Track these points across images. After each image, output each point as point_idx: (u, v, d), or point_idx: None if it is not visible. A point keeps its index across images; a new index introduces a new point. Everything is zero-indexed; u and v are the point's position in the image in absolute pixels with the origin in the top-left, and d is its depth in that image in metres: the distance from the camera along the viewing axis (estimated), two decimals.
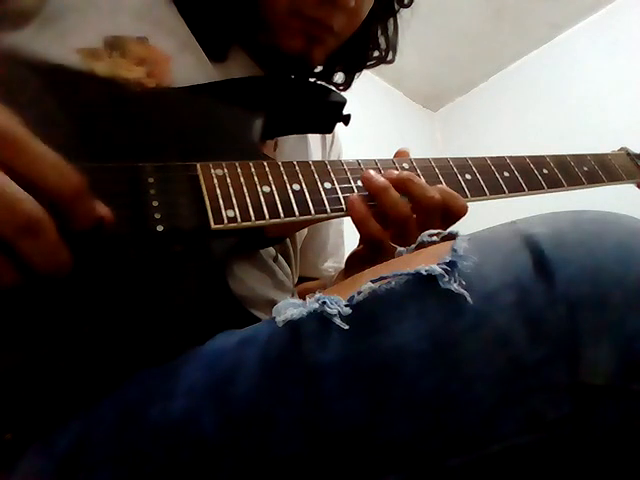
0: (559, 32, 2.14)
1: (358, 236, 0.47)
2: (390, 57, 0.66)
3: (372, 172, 0.45)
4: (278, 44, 0.52)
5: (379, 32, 0.64)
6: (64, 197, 0.29)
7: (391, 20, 0.64)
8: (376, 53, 0.65)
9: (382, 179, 0.44)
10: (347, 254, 0.75)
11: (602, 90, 1.93)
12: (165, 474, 0.27)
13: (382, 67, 0.68)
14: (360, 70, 0.66)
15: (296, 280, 0.62)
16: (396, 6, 0.64)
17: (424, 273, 0.26)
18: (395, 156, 0.50)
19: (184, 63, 0.48)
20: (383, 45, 0.65)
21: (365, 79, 0.70)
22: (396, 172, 0.45)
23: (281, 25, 0.51)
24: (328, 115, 0.54)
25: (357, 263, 0.50)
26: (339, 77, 0.65)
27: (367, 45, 0.63)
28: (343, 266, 0.72)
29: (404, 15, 0.67)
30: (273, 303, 0.29)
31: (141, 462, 0.27)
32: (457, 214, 0.45)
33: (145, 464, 0.27)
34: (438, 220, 0.44)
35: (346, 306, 0.26)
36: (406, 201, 0.44)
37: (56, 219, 0.28)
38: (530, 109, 2.16)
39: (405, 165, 0.49)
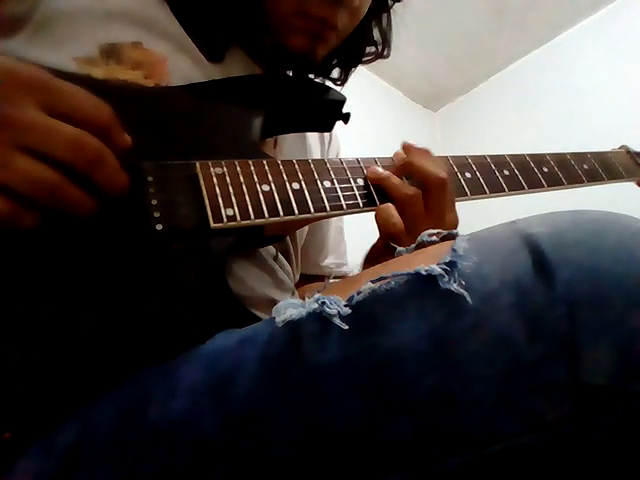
0: (559, 32, 2.14)
1: (358, 234, 0.47)
2: (385, 52, 0.66)
3: (375, 167, 0.48)
4: (283, 43, 0.53)
5: (374, 28, 0.64)
6: (104, 126, 0.33)
7: (385, 15, 0.65)
8: (371, 49, 0.66)
9: (382, 170, 0.47)
10: (347, 251, 0.76)
11: (602, 90, 1.93)
12: (165, 474, 0.27)
13: (382, 67, 0.69)
14: (356, 65, 0.66)
15: (297, 279, 0.62)
16: (389, 1, 0.64)
17: (424, 273, 0.26)
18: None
19: (181, 64, 0.48)
20: (378, 40, 0.65)
21: (365, 79, 0.70)
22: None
23: (286, 25, 0.51)
24: (328, 113, 0.54)
25: (376, 257, 0.50)
26: (335, 72, 0.66)
27: (362, 41, 0.64)
28: (345, 262, 0.73)
29: (404, 15, 0.67)
30: (273, 302, 0.30)
31: (141, 462, 0.27)
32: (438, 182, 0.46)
33: (145, 464, 0.27)
34: (446, 196, 0.46)
35: (346, 306, 0.26)
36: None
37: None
38: (530, 109, 2.16)
39: None
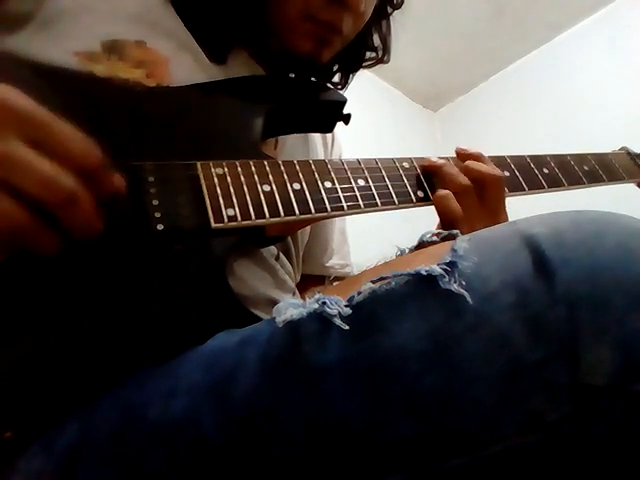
0: (559, 32, 2.14)
1: (360, 235, 0.47)
2: (385, 58, 0.68)
3: (429, 158, 0.50)
4: (288, 46, 0.53)
5: (374, 33, 0.65)
6: (89, 168, 0.31)
7: (384, 22, 0.66)
8: (372, 54, 0.66)
9: (436, 159, 0.50)
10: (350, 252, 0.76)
11: (602, 90, 1.93)
12: (165, 474, 0.27)
13: (382, 67, 0.69)
14: (356, 70, 0.67)
15: (298, 279, 0.62)
16: (389, 9, 0.65)
17: (424, 273, 0.26)
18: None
19: (183, 64, 0.48)
20: (378, 46, 0.66)
21: (365, 79, 0.70)
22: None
23: (292, 28, 0.51)
24: (328, 114, 0.54)
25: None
26: (336, 76, 0.66)
27: (363, 46, 0.65)
28: (348, 263, 0.73)
29: (404, 16, 0.67)
30: (274, 302, 0.30)
31: (141, 461, 0.27)
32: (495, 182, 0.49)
33: (145, 463, 0.27)
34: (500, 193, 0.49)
35: (346, 306, 0.26)
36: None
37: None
38: (530, 109, 2.16)
39: (405, 164, 0.49)
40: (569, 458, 0.23)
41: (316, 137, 0.68)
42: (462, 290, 0.25)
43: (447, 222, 0.46)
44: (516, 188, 0.52)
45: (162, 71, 0.46)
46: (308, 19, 0.51)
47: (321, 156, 0.68)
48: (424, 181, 0.49)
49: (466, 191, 0.47)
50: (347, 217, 0.46)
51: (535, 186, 0.53)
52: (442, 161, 0.49)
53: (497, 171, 0.48)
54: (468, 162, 0.49)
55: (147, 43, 0.46)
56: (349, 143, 0.85)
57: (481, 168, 0.48)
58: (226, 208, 0.38)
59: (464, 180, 0.47)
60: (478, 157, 0.50)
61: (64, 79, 0.41)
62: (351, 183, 0.45)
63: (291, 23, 0.51)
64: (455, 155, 0.52)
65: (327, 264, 0.70)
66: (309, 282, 0.66)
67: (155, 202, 0.36)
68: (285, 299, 0.28)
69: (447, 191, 0.47)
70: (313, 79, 0.62)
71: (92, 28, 0.45)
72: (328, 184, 0.44)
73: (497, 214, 0.48)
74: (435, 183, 0.49)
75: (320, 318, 0.27)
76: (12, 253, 0.30)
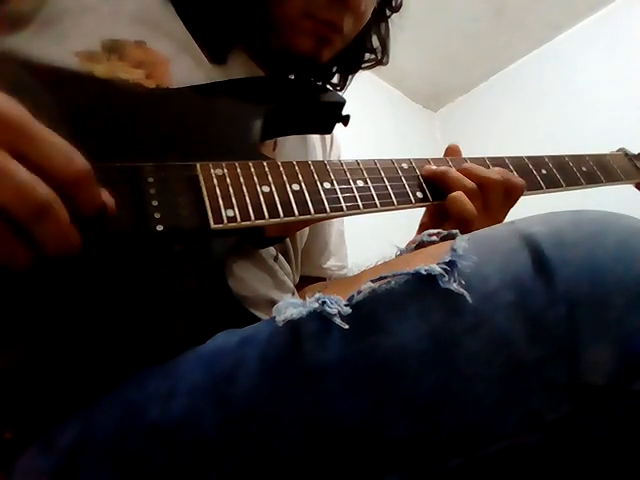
0: (559, 32, 2.14)
1: (357, 238, 0.47)
2: (384, 60, 0.68)
3: (428, 166, 0.50)
4: (288, 45, 0.53)
5: (372, 35, 0.65)
6: (70, 180, 0.29)
7: (383, 24, 0.66)
8: (370, 55, 0.67)
9: (444, 166, 0.50)
10: (348, 254, 0.76)
11: (602, 90, 1.93)
12: (165, 474, 0.27)
13: (382, 67, 0.69)
14: (355, 71, 0.67)
15: (297, 280, 0.62)
16: (387, 11, 0.66)
17: (424, 273, 0.26)
18: (447, 154, 0.56)
19: (183, 65, 0.48)
20: (377, 48, 0.67)
21: (365, 79, 0.70)
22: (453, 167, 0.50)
23: (293, 27, 0.52)
24: (327, 115, 0.54)
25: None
26: (335, 77, 0.67)
27: (362, 48, 0.65)
28: (345, 265, 0.73)
29: (404, 15, 0.67)
30: (273, 303, 0.30)
31: (141, 462, 0.27)
32: (518, 190, 0.50)
33: (145, 464, 0.27)
34: (500, 198, 0.49)
35: (346, 306, 0.27)
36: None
37: (65, 203, 0.29)
38: (530, 109, 2.16)
39: (404, 165, 0.49)
40: (569, 457, 0.23)
41: (315, 138, 0.68)
42: (462, 289, 0.25)
43: (462, 223, 0.47)
44: None
45: (162, 71, 0.46)
46: (309, 18, 0.51)
47: (320, 157, 0.68)
48: (423, 182, 0.49)
49: (471, 194, 0.47)
50: (346, 218, 0.46)
51: (533, 187, 0.54)
52: (444, 167, 0.49)
53: (496, 175, 0.49)
54: (467, 166, 0.49)
55: (147, 43, 0.46)
56: (349, 143, 0.85)
57: (482, 172, 0.49)
58: (225, 209, 0.38)
59: (469, 183, 0.48)
60: (468, 167, 0.50)
61: (64, 80, 0.41)
62: (350, 184, 0.45)
63: (292, 22, 0.51)
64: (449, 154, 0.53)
65: (325, 265, 0.70)
66: (307, 283, 0.66)
67: (155, 203, 0.36)
68: (285, 299, 0.28)
69: (461, 192, 0.47)
70: (312, 80, 0.62)
71: (92, 28, 0.45)
72: (327, 185, 0.44)
73: (498, 219, 0.49)
74: (435, 184, 0.49)
75: (320, 317, 0.27)
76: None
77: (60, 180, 0.29)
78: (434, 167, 0.50)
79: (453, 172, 0.48)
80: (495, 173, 0.49)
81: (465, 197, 0.47)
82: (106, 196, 0.32)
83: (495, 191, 0.49)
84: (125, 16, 0.47)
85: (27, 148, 0.28)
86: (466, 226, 0.46)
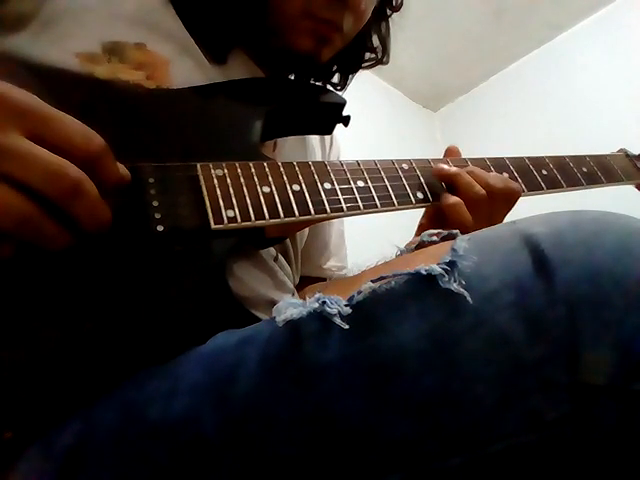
0: (559, 32, 2.14)
1: (357, 238, 0.47)
2: (385, 59, 0.68)
3: (441, 164, 0.50)
4: (288, 45, 0.53)
5: (373, 35, 0.66)
6: (92, 158, 0.31)
7: (383, 23, 0.66)
8: (371, 55, 0.67)
9: (452, 167, 0.50)
10: (347, 255, 0.76)
11: (602, 90, 1.93)
12: (165, 474, 0.27)
13: (382, 67, 0.69)
14: (356, 71, 0.67)
15: (297, 280, 0.62)
16: (388, 11, 0.66)
17: (424, 273, 0.26)
18: (446, 155, 0.56)
19: (183, 66, 0.48)
20: (377, 47, 0.67)
21: (365, 79, 0.70)
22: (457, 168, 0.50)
23: (292, 26, 0.52)
24: (328, 116, 0.54)
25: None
26: (335, 77, 0.67)
27: (362, 47, 0.65)
28: (345, 265, 0.73)
29: (405, 15, 0.67)
30: (274, 303, 0.30)
31: (141, 462, 0.27)
32: (516, 195, 0.51)
33: (145, 464, 0.27)
34: (501, 205, 0.50)
35: (346, 306, 0.27)
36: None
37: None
38: (530, 109, 2.16)
39: (404, 166, 0.49)
40: (569, 457, 0.23)
41: (314, 139, 0.68)
42: (462, 289, 0.25)
43: (458, 228, 0.47)
44: None
45: (162, 73, 0.46)
46: (308, 17, 0.51)
47: (319, 158, 0.68)
48: (423, 183, 0.49)
49: (479, 201, 0.47)
50: (346, 218, 0.46)
51: (534, 187, 0.54)
52: (456, 169, 0.49)
53: (501, 184, 0.49)
54: (471, 171, 0.49)
55: (147, 45, 0.46)
56: (349, 143, 0.85)
57: (487, 180, 0.49)
58: (226, 209, 0.38)
59: (480, 190, 0.48)
60: (473, 172, 0.50)
61: (64, 81, 0.41)
62: (350, 184, 0.45)
63: (292, 21, 0.51)
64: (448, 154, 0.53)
65: (325, 266, 0.70)
66: (307, 284, 0.66)
67: (155, 203, 0.36)
68: (285, 299, 0.28)
69: (458, 199, 0.47)
70: (312, 80, 0.62)
71: (93, 29, 0.45)
72: (327, 185, 0.44)
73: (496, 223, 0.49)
74: (435, 185, 0.49)
75: (320, 317, 0.27)
76: (20, 247, 0.30)
77: (82, 158, 0.30)
78: (446, 167, 0.50)
79: (465, 176, 0.48)
80: (499, 182, 0.49)
81: (462, 203, 0.47)
82: (123, 170, 0.34)
83: (499, 199, 0.49)
84: (125, 17, 0.47)
85: (45, 131, 0.29)
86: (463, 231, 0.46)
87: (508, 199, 0.50)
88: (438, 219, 0.51)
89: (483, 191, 0.48)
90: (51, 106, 0.30)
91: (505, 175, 0.53)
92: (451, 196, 0.48)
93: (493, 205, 0.49)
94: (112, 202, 0.32)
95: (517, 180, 0.53)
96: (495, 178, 0.50)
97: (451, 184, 0.49)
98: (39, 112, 0.30)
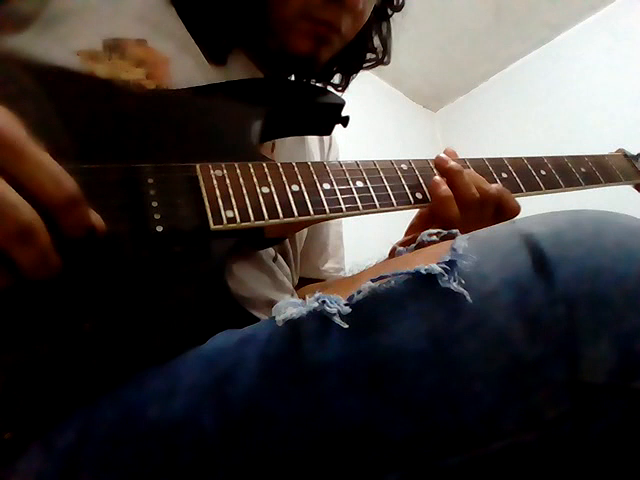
0: (559, 32, 2.13)
1: (356, 238, 0.47)
2: (385, 59, 0.68)
3: (444, 156, 0.50)
4: (287, 46, 0.53)
5: (374, 35, 0.66)
6: (58, 205, 0.29)
7: (384, 24, 0.66)
8: (372, 55, 0.67)
9: (456, 163, 0.49)
10: (345, 256, 0.76)
11: (601, 90, 1.93)
12: (165, 474, 0.27)
13: (382, 67, 0.69)
14: (357, 71, 0.67)
15: (296, 281, 0.62)
16: (389, 11, 0.66)
17: (424, 272, 0.26)
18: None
19: (183, 65, 0.48)
20: (378, 47, 0.67)
21: (365, 79, 0.70)
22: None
23: (291, 27, 0.52)
24: (327, 117, 0.54)
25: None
26: (336, 78, 0.67)
27: (363, 47, 0.65)
28: (343, 267, 0.73)
29: (404, 15, 0.68)
30: (273, 303, 0.30)
31: (141, 461, 0.27)
32: (510, 212, 0.50)
33: (145, 463, 0.27)
34: (492, 213, 0.49)
35: (346, 305, 0.27)
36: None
37: (48, 225, 0.29)
38: (530, 109, 2.16)
39: (403, 166, 0.49)
40: (568, 456, 0.23)
41: (313, 140, 0.68)
42: (461, 289, 0.25)
43: (444, 223, 0.46)
44: (514, 190, 0.52)
45: (162, 71, 0.46)
46: (306, 18, 0.51)
47: (318, 159, 0.68)
48: (422, 183, 0.49)
49: (473, 205, 0.47)
50: (345, 218, 0.46)
51: (533, 188, 0.54)
52: (458, 167, 0.48)
53: (493, 189, 0.49)
54: (469, 174, 0.49)
55: (148, 42, 0.46)
56: (349, 143, 0.85)
57: (482, 186, 0.48)
58: (225, 210, 0.38)
59: (476, 194, 0.47)
60: (455, 172, 0.49)
61: (65, 81, 0.41)
62: (349, 185, 0.45)
63: (290, 22, 0.51)
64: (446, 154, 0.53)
65: (322, 267, 0.70)
66: (304, 285, 0.66)
67: (154, 204, 0.36)
68: (284, 299, 0.28)
69: (450, 193, 0.47)
70: (312, 81, 0.62)
71: (94, 27, 0.45)
72: (327, 186, 0.44)
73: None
74: (446, 178, 0.49)
75: (320, 317, 0.27)
76: None
77: (47, 204, 0.28)
78: (451, 162, 0.49)
79: (466, 177, 0.48)
80: (494, 189, 0.49)
81: (452, 197, 0.47)
82: (95, 217, 0.32)
83: (488, 206, 0.49)
84: (127, 15, 0.47)
85: (17, 169, 0.28)
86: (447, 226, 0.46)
87: (500, 211, 0.49)
88: (430, 219, 0.50)
89: (478, 196, 0.47)
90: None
91: (504, 175, 0.53)
92: (446, 187, 0.47)
93: (482, 211, 0.48)
94: (70, 251, 0.30)
95: (516, 180, 0.53)
96: (491, 187, 0.49)
97: (450, 180, 0.48)
98: (15, 147, 0.28)
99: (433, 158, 0.51)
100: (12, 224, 0.26)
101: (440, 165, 0.49)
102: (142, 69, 0.45)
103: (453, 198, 0.47)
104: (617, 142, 0.71)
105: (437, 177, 0.48)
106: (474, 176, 0.49)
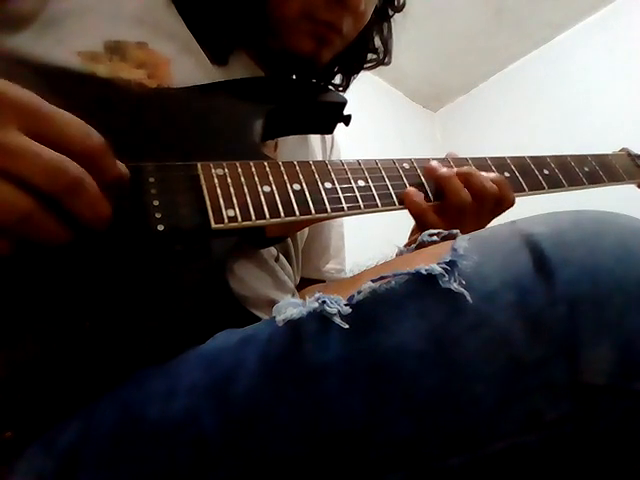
0: (559, 32, 2.14)
1: (358, 238, 0.47)
2: (386, 60, 0.68)
3: (435, 162, 0.49)
4: (288, 47, 0.53)
5: (375, 35, 0.66)
6: (90, 154, 0.31)
7: (385, 24, 0.66)
8: (372, 55, 0.67)
9: (446, 169, 0.48)
10: (346, 256, 0.76)
11: (602, 90, 1.93)
12: (165, 474, 0.27)
13: (382, 67, 0.69)
14: (358, 72, 0.68)
15: (298, 280, 0.62)
16: (390, 11, 0.66)
17: (424, 272, 0.26)
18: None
19: (184, 65, 0.48)
20: (379, 48, 0.67)
21: (365, 79, 0.70)
22: (456, 168, 0.49)
23: (292, 28, 0.52)
24: (329, 115, 0.54)
25: None
26: (337, 78, 0.67)
27: (364, 48, 0.65)
28: (344, 268, 0.73)
29: (405, 16, 0.68)
30: (274, 303, 0.30)
31: (141, 462, 0.27)
32: (507, 204, 0.50)
33: (145, 464, 0.27)
34: (491, 207, 0.49)
35: (346, 305, 0.27)
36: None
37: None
38: (530, 109, 2.16)
39: (405, 165, 0.49)
40: (569, 457, 0.23)
41: (316, 139, 0.68)
42: (462, 289, 0.25)
43: (460, 212, 0.47)
44: (516, 189, 0.52)
45: (163, 72, 0.46)
46: (308, 19, 0.51)
47: (320, 158, 0.68)
48: (424, 182, 0.49)
49: (465, 208, 0.47)
50: (347, 217, 0.46)
51: (535, 187, 0.53)
52: (446, 172, 0.48)
53: (495, 188, 0.48)
54: (467, 172, 0.48)
55: (149, 44, 0.46)
56: (350, 143, 0.85)
57: (480, 183, 0.48)
58: (226, 209, 0.38)
59: (466, 196, 0.47)
60: (469, 174, 0.48)
61: (66, 80, 0.41)
62: (351, 184, 0.45)
63: (291, 23, 0.51)
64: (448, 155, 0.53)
65: (324, 268, 0.70)
66: (306, 286, 0.66)
67: (155, 202, 0.36)
68: (285, 299, 0.28)
69: (424, 205, 0.46)
70: (314, 81, 0.62)
71: (95, 29, 0.45)
72: (328, 185, 0.44)
73: (481, 225, 0.49)
74: (436, 185, 0.49)
75: (320, 317, 0.27)
76: (19, 245, 0.29)
77: (81, 155, 0.30)
78: (441, 168, 0.48)
79: (455, 181, 0.47)
80: (491, 185, 0.48)
81: (432, 213, 0.47)
82: (122, 167, 0.34)
83: (487, 202, 0.48)
84: (127, 17, 0.47)
85: (44, 128, 0.29)
86: (462, 216, 0.46)
87: (498, 203, 0.49)
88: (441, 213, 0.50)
89: (469, 198, 0.47)
90: (50, 103, 0.30)
91: (506, 174, 0.52)
92: (417, 199, 0.46)
93: (480, 207, 0.48)
94: (111, 199, 0.32)
95: (518, 179, 0.53)
96: (489, 182, 0.48)
97: (439, 186, 0.48)
98: (37, 109, 0.29)
99: (434, 158, 0.51)
100: (65, 178, 0.29)
101: (429, 175, 0.49)
102: (143, 70, 0.45)
103: (430, 210, 0.47)
104: (617, 142, 0.71)
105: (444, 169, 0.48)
106: (468, 175, 0.48)
